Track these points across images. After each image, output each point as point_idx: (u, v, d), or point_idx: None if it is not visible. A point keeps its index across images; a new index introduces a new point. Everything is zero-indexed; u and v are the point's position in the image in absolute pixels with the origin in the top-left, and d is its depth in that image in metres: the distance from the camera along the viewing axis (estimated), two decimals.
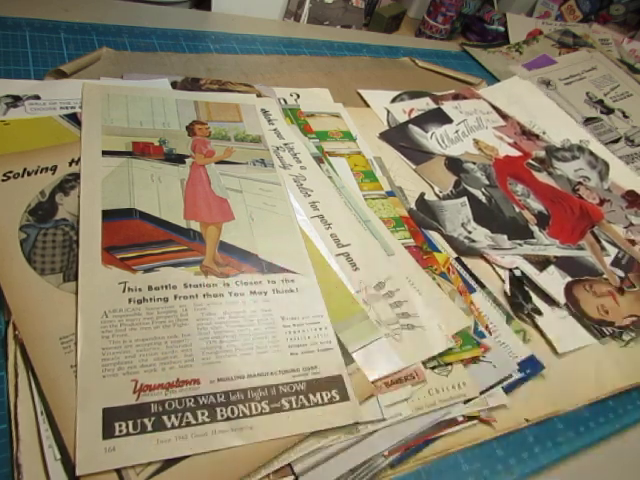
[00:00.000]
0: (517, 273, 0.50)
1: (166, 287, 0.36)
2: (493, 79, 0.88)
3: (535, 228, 0.56)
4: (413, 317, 0.41)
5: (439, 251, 0.49)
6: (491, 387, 0.40)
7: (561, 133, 0.75)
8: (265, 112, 0.55)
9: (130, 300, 0.35)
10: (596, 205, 0.63)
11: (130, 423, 0.30)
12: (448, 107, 0.70)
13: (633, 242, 0.60)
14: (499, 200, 0.58)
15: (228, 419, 0.31)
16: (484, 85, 0.82)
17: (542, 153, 0.69)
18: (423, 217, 0.52)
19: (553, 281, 0.51)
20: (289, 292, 0.39)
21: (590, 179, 0.66)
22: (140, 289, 0.35)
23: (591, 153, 0.70)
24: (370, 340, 0.38)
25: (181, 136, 0.48)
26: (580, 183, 0.65)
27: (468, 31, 1.18)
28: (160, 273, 0.37)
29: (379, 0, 1.09)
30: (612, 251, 0.58)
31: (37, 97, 0.47)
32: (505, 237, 0.54)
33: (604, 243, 0.58)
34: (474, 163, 0.63)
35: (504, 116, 0.74)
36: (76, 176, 0.41)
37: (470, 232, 0.53)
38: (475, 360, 0.41)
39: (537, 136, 0.72)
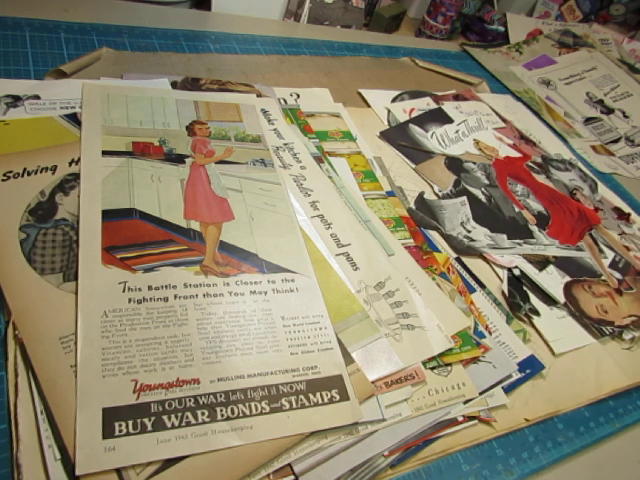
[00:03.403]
0: (516, 272, 0.50)
1: (166, 287, 0.36)
2: (493, 79, 0.88)
3: (535, 228, 0.56)
4: (413, 317, 0.41)
5: (439, 251, 0.49)
6: (491, 387, 0.40)
7: (554, 147, 0.75)
8: (265, 112, 0.55)
9: (130, 300, 0.35)
10: (592, 210, 0.64)
11: (130, 423, 0.30)
12: (449, 107, 0.71)
13: (628, 248, 0.60)
14: (499, 200, 0.58)
15: (228, 419, 0.31)
16: (484, 85, 0.82)
17: (539, 159, 0.69)
18: (422, 216, 0.52)
19: (552, 280, 0.51)
20: (289, 292, 0.39)
21: (583, 189, 0.67)
22: (140, 289, 0.35)
23: (581, 170, 0.71)
24: (370, 340, 0.38)
25: (181, 136, 0.48)
26: (576, 189, 0.66)
27: (468, 31, 1.18)
28: (160, 273, 0.37)
29: (379, 0, 1.09)
30: (609, 254, 0.58)
31: (37, 97, 0.47)
32: (504, 237, 0.54)
33: (602, 246, 0.58)
34: (474, 163, 0.63)
35: (504, 119, 0.74)
36: (76, 176, 0.41)
37: (469, 231, 0.53)
38: (475, 360, 0.41)
39: (534, 143, 0.73)
